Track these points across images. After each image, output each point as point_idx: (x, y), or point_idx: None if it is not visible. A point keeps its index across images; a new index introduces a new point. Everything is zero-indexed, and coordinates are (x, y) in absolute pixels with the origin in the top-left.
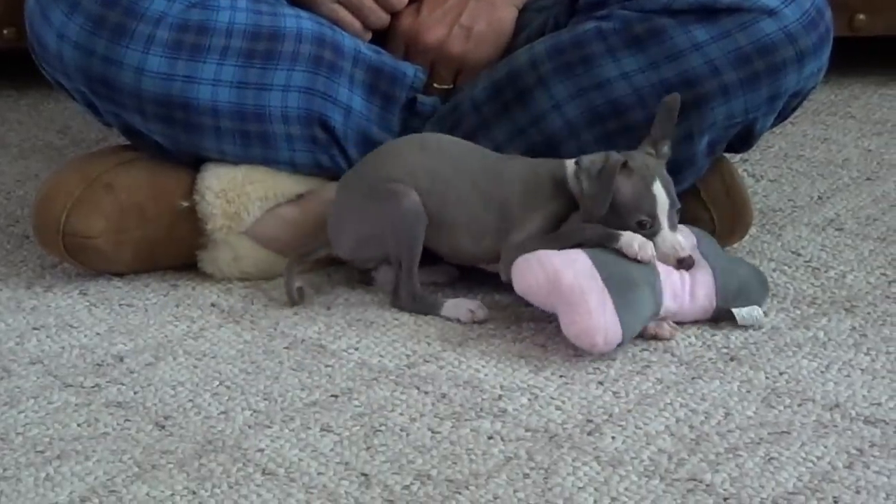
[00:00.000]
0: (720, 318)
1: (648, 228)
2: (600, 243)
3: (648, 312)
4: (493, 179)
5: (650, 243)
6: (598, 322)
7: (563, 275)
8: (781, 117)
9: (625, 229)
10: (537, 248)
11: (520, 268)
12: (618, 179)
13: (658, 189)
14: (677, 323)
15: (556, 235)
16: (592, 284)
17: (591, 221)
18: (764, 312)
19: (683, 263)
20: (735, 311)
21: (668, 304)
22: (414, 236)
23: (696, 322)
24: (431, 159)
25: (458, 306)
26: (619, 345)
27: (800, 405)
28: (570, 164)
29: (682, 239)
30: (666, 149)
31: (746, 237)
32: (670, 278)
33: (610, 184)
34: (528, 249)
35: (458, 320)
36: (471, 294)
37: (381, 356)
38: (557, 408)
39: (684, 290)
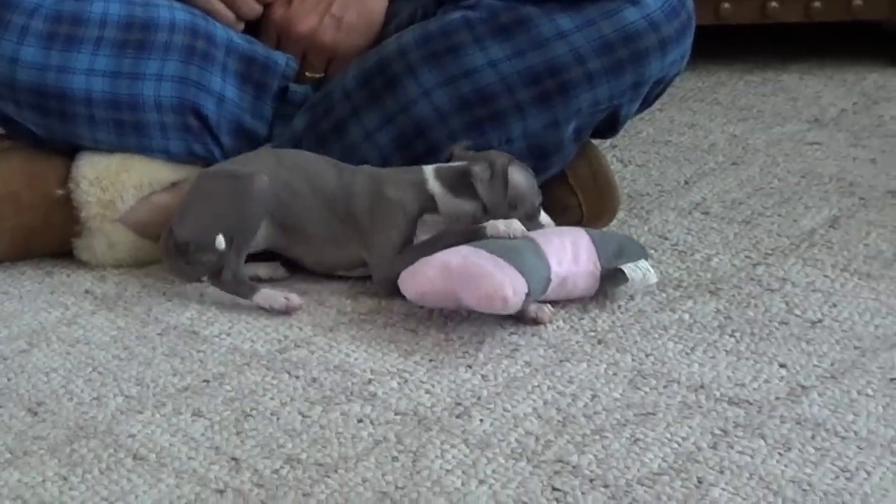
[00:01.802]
0: (607, 281)
1: (532, 210)
2: (468, 239)
3: (543, 273)
4: (346, 195)
5: (515, 220)
6: (500, 277)
7: (450, 261)
8: (646, 103)
9: (516, 218)
10: (408, 260)
11: (406, 278)
12: (511, 174)
13: (531, 172)
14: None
15: (422, 245)
16: (482, 254)
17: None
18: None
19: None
20: (623, 267)
21: (556, 268)
22: (253, 215)
23: (565, 305)
24: (288, 173)
25: (273, 295)
26: (528, 297)
27: (665, 387)
28: (427, 169)
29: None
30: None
31: (614, 221)
32: (551, 243)
33: (506, 182)
34: (399, 263)
35: (272, 308)
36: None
37: (252, 341)
38: (427, 391)
39: (565, 253)
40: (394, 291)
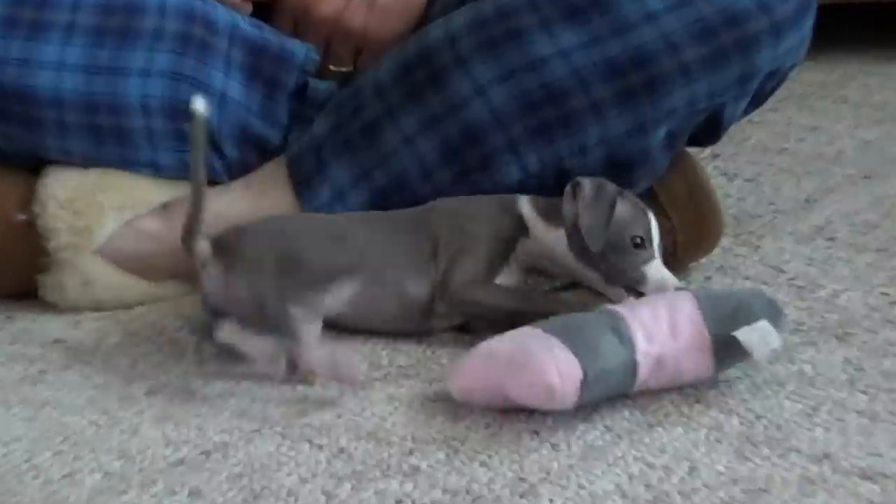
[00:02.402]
0: (723, 356)
1: (643, 249)
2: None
3: (618, 358)
4: (419, 226)
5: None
6: (544, 360)
7: (497, 347)
8: (756, 102)
9: (618, 252)
10: (492, 296)
11: (455, 368)
12: (617, 205)
13: (651, 216)
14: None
15: (527, 294)
16: (532, 338)
17: (585, 250)
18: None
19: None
20: (737, 333)
21: (645, 346)
22: (336, 267)
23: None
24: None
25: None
26: (585, 384)
27: (781, 456)
28: (523, 198)
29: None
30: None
31: (716, 250)
32: (636, 315)
33: (611, 212)
34: (482, 291)
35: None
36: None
37: (264, 403)
38: (482, 464)
39: (659, 325)
40: (466, 314)
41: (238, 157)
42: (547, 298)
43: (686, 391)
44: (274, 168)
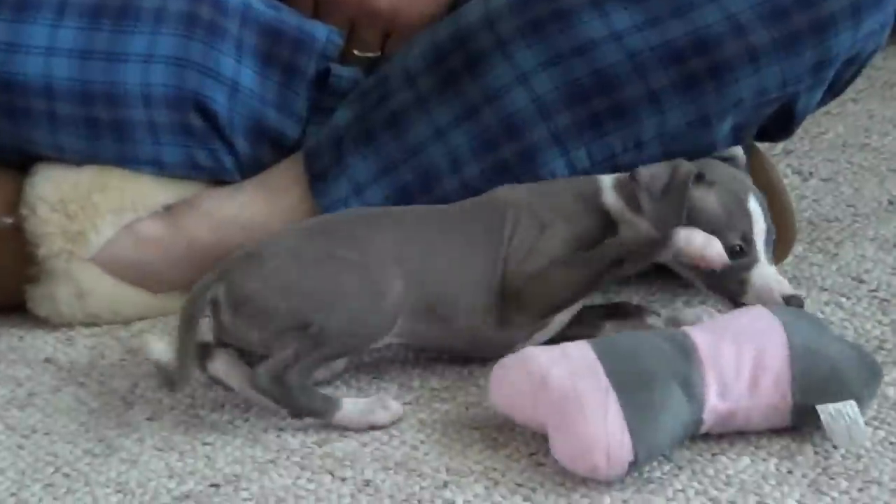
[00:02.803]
0: (801, 419)
1: (743, 257)
2: (647, 256)
3: (680, 420)
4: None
5: (715, 241)
6: (596, 435)
7: (551, 374)
8: (834, 92)
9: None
10: (560, 275)
11: (497, 374)
12: (696, 194)
13: (754, 206)
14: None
15: (584, 256)
16: (590, 383)
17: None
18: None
19: (791, 301)
20: (820, 408)
21: (714, 401)
22: (369, 333)
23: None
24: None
25: (352, 414)
26: (634, 465)
27: (861, 490)
28: (605, 178)
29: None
30: (742, 155)
31: (789, 258)
32: (717, 358)
33: (682, 201)
34: (555, 276)
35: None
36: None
37: (280, 429)
38: (525, 499)
39: (740, 378)
40: (542, 315)
41: (251, 153)
42: (610, 249)
43: None
44: (291, 165)
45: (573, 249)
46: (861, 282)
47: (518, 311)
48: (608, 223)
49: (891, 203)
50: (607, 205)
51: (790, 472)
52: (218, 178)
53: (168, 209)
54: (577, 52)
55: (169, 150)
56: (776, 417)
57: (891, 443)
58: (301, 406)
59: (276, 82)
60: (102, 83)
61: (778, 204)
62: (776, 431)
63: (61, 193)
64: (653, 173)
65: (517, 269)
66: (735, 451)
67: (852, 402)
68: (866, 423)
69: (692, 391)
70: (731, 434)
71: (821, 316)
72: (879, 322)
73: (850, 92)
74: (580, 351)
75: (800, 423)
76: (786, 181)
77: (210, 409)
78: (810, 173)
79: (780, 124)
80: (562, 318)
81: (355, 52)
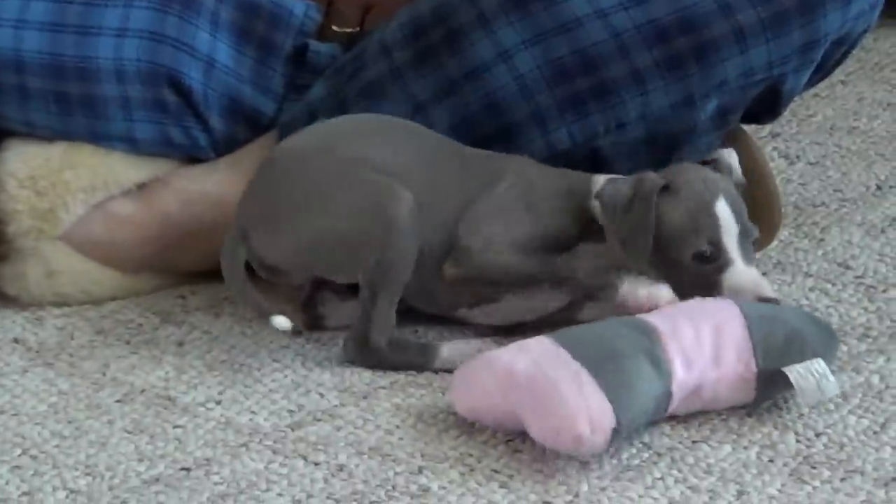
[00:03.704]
0: (768, 388)
1: (712, 261)
2: (593, 289)
3: (654, 389)
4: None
5: (662, 292)
6: (574, 406)
7: (516, 366)
8: (822, 73)
9: (680, 267)
10: (510, 256)
11: (460, 380)
12: (661, 206)
13: (722, 208)
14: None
15: (542, 259)
16: (558, 366)
17: (634, 265)
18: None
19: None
20: (787, 369)
21: (682, 374)
22: (406, 256)
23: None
24: (419, 152)
25: (459, 349)
26: (617, 432)
27: (843, 480)
28: (599, 180)
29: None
30: (730, 159)
31: (774, 243)
32: (677, 335)
33: (648, 217)
34: (496, 251)
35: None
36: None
37: (253, 413)
38: (502, 485)
39: (702, 352)
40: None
41: (226, 130)
42: (564, 267)
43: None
44: (266, 143)
45: (538, 242)
46: (847, 268)
47: (453, 264)
48: (593, 224)
49: (878, 188)
50: (593, 209)
51: (771, 460)
52: (192, 156)
53: (140, 187)
54: (561, 30)
55: (142, 127)
56: (743, 389)
57: (874, 432)
58: (399, 365)
59: (252, 58)
60: (74, 57)
61: (763, 188)
62: (759, 420)
63: (31, 170)
64: (616, 190)
65: (473, 222)
66: (716, 438)
67: (818, 359)
68: (850, 412)
69: (659, 364)
70: (712, 421)
71: (805, 303)
72: (865, 309)
73: (838, 73)
74: (540, 344)
75: (767, 393)
76: (772, 165)
77: (182, 392)
78: (797, 157)
79: (767, 106)
80: (513, 306)
81: (334, 27)
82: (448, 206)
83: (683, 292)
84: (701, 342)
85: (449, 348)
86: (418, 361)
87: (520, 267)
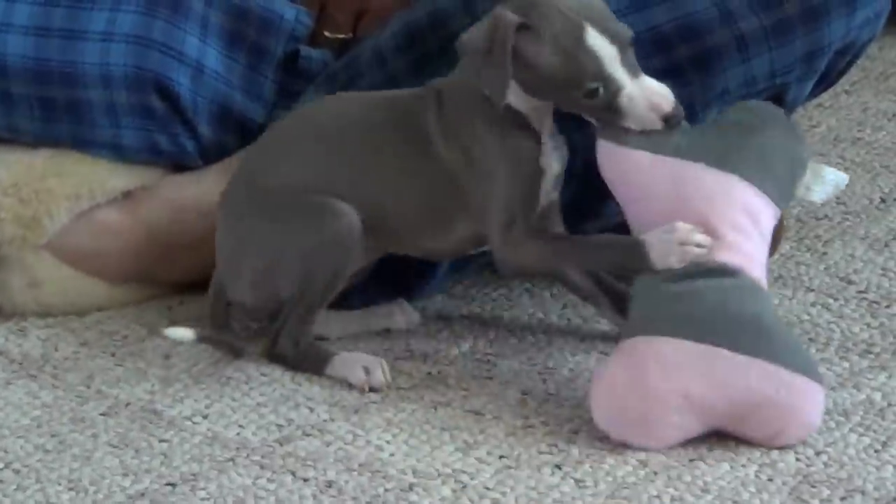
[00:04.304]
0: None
1: (603, 94)
2: (625, 269)
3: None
4: (419, 146)
5: (691, 232)
6: (814, 404)
7: (712, 404)
8: (825, 83)
9: (570, 106)
10: (548, 249)
11: (636, 429)
12: (526, 50)
13: (592, 36)
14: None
15: (564, 242)
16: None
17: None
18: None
19: (671, 121)
20: (815, 197)
21: (763, 278)
22: (338, 269)
23: None
24: (345, 153)
25: (351, 363)
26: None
27: (844, 499)
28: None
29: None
30: None
31: (775, 257)
32: (746, 256)
33: (506, 60)
34: (533, 246)
35: (347, 382)
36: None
37: (240, 427)
38: (494, 502)
39: (764, 248)
40: (521, 274)
41: (214, 137)
42: (596, 244)
43: None
44: None
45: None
46: (850, 282)
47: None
48: (518, 119)
49: (882, 201)
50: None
51: (770, 479)
52: (179, 164)
53: (127, 195)
54: None
55: (128, 134)
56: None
57: (875, 450)
58: (298, 368)
59: (242, 64)
60: (59, 62)
61: None
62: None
63: (14, 177)
64: (472, 35)
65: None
66: (713, 456)
67: (821, 169)
68: (850, 429)
69: (758, 292)
70: (709, 439)
71: (807, 318)
72: (868, 325)
73: (843, 83)
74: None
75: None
76: None
77: (168, 405)
78: None
79: None
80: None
81: (326, 33)
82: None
83: (586, 116)
84: (764, 244)
85: (339, 359)
86: (314, 367)
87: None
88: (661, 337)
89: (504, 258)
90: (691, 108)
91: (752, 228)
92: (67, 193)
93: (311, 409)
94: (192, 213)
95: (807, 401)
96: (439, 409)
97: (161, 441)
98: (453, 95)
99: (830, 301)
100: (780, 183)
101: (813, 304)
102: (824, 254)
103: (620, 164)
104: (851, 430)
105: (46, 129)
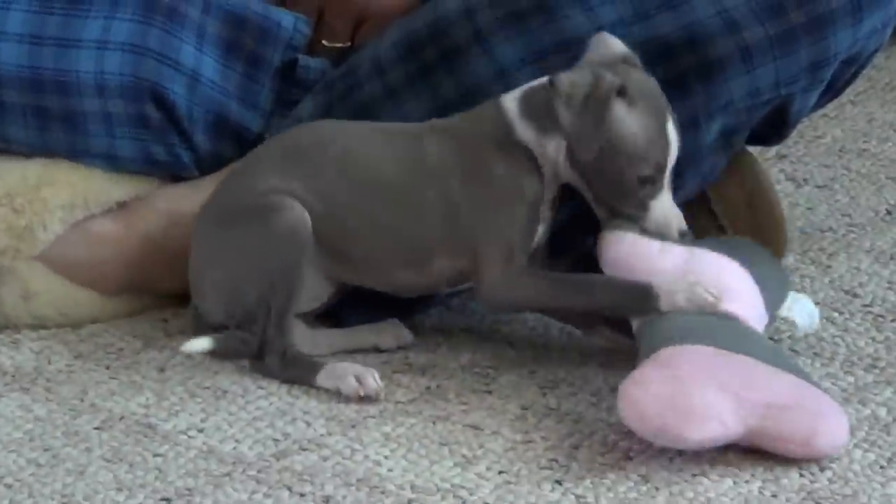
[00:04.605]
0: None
1: (647, 188)
2: (627, 311)
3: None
4: (415, 176)
5: (697, 286)
6: (839, 424)
7: (692, 394)
8: (831, 94)
9: (618, 185)
10: (539, 288)
11: (678, 422)
12: (617, 113)
13: (672, 131)
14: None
15: (563, 283)
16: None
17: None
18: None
19: (685, 238)
20: (795, 318)
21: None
22: (290, 264)
23: None
24: (320, 171)
25: (340, 372)
26: None
27: None
28: (508, 100)
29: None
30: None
31: None
32: (750, 313)
33: (603, 119)
34: (524, 284)
35: (339, 392)
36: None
37: (236, 441)
38: None
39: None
40: (510, 310)
41: (211, 147)
42: (599, 285)
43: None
44: None
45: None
46: (855, 296)
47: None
48: (531, 162)
49: (888, 213)
50: (523, 140)
51: (774, 495)
52: (175, 174)
53: (121, 206)
54: (561, 47)
55: (123, 144)
56: None
57: (881, 466)
58: (287, 379)
59: (239, 73)
60: (53, 70)
61: (768, 212)
62: (761, 452)
63: (7, 186)
64: (573, 80)
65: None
66: (716, 472)
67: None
68: (855, 445)
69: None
70: (712, 454)
71: (811, 332)
72: (873, 339)
73: (848, 94)
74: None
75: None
76: (778, 188)
77: (163, 419)
78: (804, 180)
79: (774, 127)
80: None
81: (324, 42)
82: (397, 215)
83: (611, 208)
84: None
85: (328, 369)
86: (303, 377)
87: (549, 302)
88: (695, 345)
89: (495, 295)
90: (695, 120)
91: (754, 308)
92: (61, 203)
93: (308, 424)
94: (187, 224)
95: (834, 415)
96: (438, 423)
97: (156, 455)
98: (464, 130)
99: (835, 315)
100: (771, 295)
101: (818, 318)
102: (829, 267)
103: (626, 251)
104: (856, 445)
105: (40, 139)
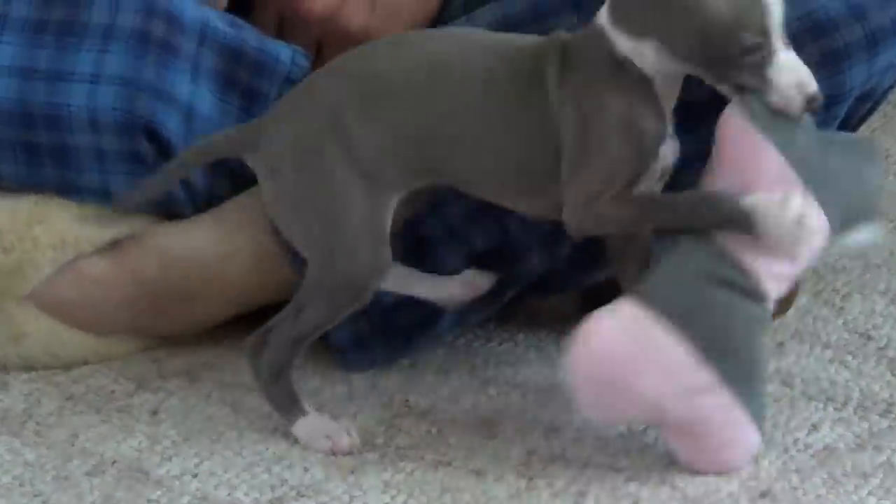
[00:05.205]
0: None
1: (757, 55)
2: (724, 225)
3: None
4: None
5: (809, 209)
6: (742, 454)
7: (667, 406)
8: (846, 129)
9: (716, 68)
10: (626, 210)
11: (606, 402)
12: None
13: None
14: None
15: (662, 202)
16: (709, 391)
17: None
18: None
19: (813, 104)
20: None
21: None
22: (347, 308)
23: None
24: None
25: (313, 428)
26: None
27: None
28: (601, 17)
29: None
30: None
31: (791, 311)
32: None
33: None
34: (611, 208)
35: (312, 447)
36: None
37: (232, 487)
38: None
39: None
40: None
41: (206, 184)
42: (702, 202)
43: (747, 483)
44: (252, 198)
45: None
46: (869, 338)
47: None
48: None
49: None
50: (622, 52)
51: None
52: (169, 212)
53: (114, 245)
54: None
55: (116, 180)
56: None
57: None
58: (269, 400)
59: (235, 107)
60: (44, 104)
61: None
62: (773, 500)
63: None
64: None
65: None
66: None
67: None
68: (869, 493)
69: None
70: (724, 501)
71: (824, 375)
72: (888, 383)
73: (863, 129)
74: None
75: None
76: None
77: (156, 464)
78: None
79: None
80: None
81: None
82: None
83: (727, 87)
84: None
85: (307, 422)
86: (282, 409)
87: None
88: (664, 318)
89: (580, 224)
90: (703, 157)
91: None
92: (52, 242)
93: (307, 469)
94: (181, 264)
95: (743, 445)
96: (440, 468)
97: (148, 501)
98: (581, 52)
99: (849, 357)
100: (843, 213)
101: (831, 361)
102: (842, 308)
103: (738, 142)
104: (871, 493)
105: (30, 175)
